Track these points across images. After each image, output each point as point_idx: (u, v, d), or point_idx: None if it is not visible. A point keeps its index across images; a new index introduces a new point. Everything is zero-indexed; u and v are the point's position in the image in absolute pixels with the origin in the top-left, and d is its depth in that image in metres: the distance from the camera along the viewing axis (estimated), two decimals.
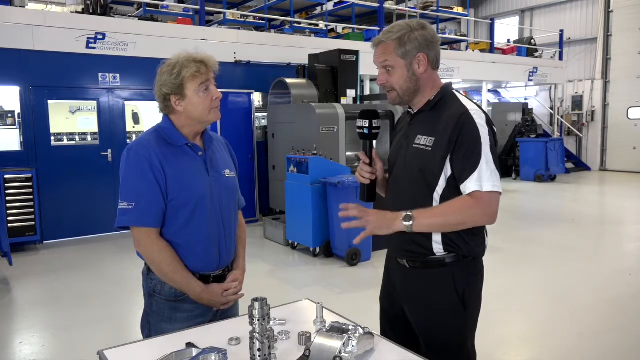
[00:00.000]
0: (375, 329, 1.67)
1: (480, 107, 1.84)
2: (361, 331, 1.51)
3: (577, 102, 16.13)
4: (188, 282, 1.92)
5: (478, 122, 1.75)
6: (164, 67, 1.92)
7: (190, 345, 1.55)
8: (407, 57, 1.82)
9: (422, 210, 1.77)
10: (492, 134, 1.77)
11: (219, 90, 1.99)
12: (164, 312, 1.96)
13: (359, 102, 8.94)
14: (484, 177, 1.72)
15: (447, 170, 1.78)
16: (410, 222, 1.74)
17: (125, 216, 1.87)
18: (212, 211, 1.96)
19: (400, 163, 1.93)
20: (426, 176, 1.81)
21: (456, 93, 1.88)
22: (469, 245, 1.83)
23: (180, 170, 1.91)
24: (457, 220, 1.76)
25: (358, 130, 1.90)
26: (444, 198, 1.80)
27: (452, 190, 1.79)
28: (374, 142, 1.94)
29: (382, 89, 1.93)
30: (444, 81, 1.93)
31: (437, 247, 1.83)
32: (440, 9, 13.49)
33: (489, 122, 1.78)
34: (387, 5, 12.06)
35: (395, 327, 2.02)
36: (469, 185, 1.73)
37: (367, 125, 1.86)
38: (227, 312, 2.07)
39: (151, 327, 1.99)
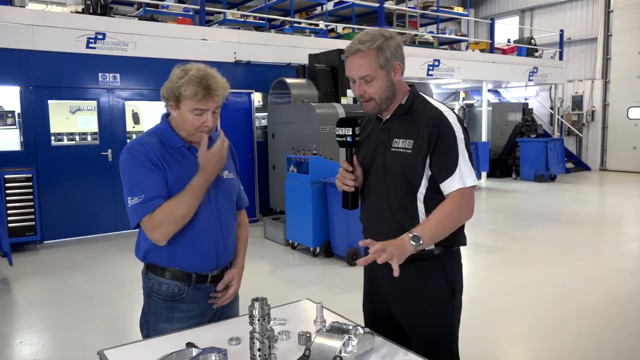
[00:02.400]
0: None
1: (449, 107, 1.91)
2: (361, 331, 1.52)
3: (577, 102, 16.13)
4: (191, 188, 1.85)
5: (452, 122, 1.83)
6: (176, 71, 1.88)
7: (190, 345, 1.55)
8: (387, 66, 1.83)
9: (422, 226, 1.77)
10: (465, 132, 1.86)
11: None
12: (162, 311, 1.96)
13: (358, 102, 8.95)
14: (465, 174, 1.81)
15: (428, 171, 1.84)
16: (420, 242, 1.71)
17: (139, 210, 1.82)
18: (209, 212, 1.96)
19: (378, 168, 1.94)
20: (409, 178, 1.86)
21: (424, 95, 1.95)
22: (456, 236, 1.91)
23: (178, 172, 1.90)
24: (453, 224, 1.83)
25: (338, 139, 1.92)
26: (427, 198, 1.86)
27: (435, 189, 1.85)
28: (354, 149, 1.95)
29: (359, 99, 1.92)
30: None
31: (428, 247, 1.85)
32: (440, 8, 13.49)
33: (461, 121, 1.88)
34: (387, 5, 12.06)
35: (381, 326, 1.96)
36: (452, 184, 1.80)
37: (350, 133, 1.89)
38: (226, 312, 2.07)
39: (149, 327, 1.99)
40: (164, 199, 1.85)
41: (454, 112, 1.88)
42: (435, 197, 1.85)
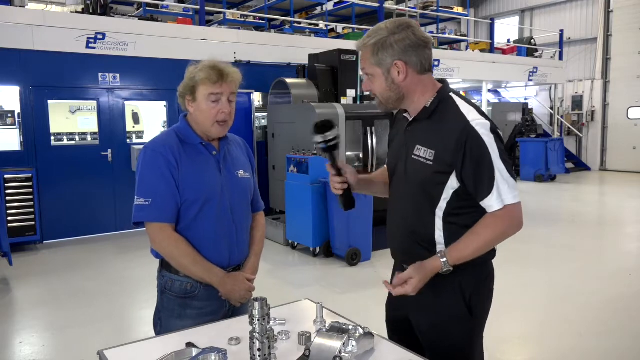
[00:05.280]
0: (375, 329, 1.67)
1: (480, 111, 1.73)
2: (361, 331, 1.51)
3: (577, 102, 16.13)
4: (209, 270, 1.95)
5: (482, 134, 1.64)
6: (189, 68, 1.97)
7: (190, 345, 1.55)
8: (382, 66, 1.71)
9: (454, 246, 1.70)
10: (499, 141, 1.69)
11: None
12: (174, 308, 2.00)
13: (359, 102, 8.94)
14: (503, 192, 1.65)
15: (453, 184, 1.70)
16: (445, 260, 1.68)
17: (143, 212, 1.91)
18: (221, 209, 2.00)
19: (400, 173, 1.85)
20: (428, 191, 1.74)
21: (454, 97, 1.76)
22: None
23: (193, 168, 1.96)
24: (490, 244, 1.72)
25: (316, 145, 1.85)
26: (447, 214, 1.73)
27: (457, 205, 1.73)
28: (337, 152, 1.86)
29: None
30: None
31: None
32: (440, 8, 13.48)
33: (494, 129, 1.68)
34: (387, 5, 12.07)
35: (401, 336, 1.91)
36: (490, 204, 1.67)
37: (321, 140, 1.80)
38: (238, 311, 2.08)
39: (162, 324, 2.03)
40: (174, 206, 1.92)
41: (485, 119, 1.69)
42: (458, 213, 1.73)
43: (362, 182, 1.97)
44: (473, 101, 1.80)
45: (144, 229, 1.96)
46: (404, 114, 1.86)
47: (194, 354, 1.46)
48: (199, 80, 1.90)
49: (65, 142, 7.94)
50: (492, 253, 1.83)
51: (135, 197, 1.92)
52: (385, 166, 2.12)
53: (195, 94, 1.93)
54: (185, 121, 2.03)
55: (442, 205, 1.73)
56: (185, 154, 1.96)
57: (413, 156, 1.76)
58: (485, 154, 1.64)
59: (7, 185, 6.65)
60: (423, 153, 1.73)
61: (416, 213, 1.78)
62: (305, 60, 9.03)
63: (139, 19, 8.79)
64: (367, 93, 1.95)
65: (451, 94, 1.77)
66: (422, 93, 1.76)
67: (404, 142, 1.83)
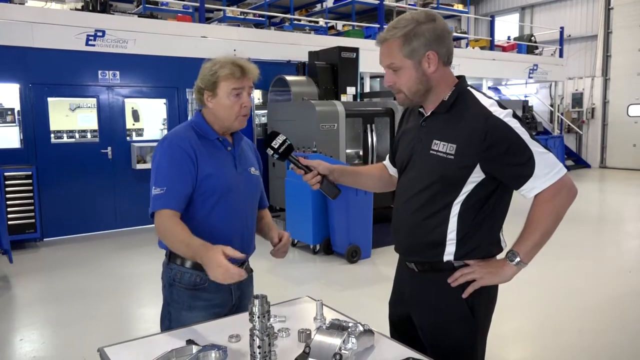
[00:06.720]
0: (375, 326, 1.68)
1: (500, 103, 1.68)
2: (361, 328, 1.52)
3: (577, 100, 16.11)
4: (190, 243, 1.81)
5: (508, 121, 1.61)
6: (207, 63, 1.99)
7: (190, 342, 1.56)
8: (415, 56, 1.65)
9: (519, 241, 1.70)
10: (524, 125, 1.64)
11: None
12: (184, 300, 2.01)
13: (359, 100, 8.94)
14: (549, 166, 1.61)
15: (475, 178, 1.66)
16: (517, 258, 1.68)
17: (158, 201, 1.90)
18: (235, 204, 2.02)
19: (413, 169, 1.80)
20: (448, 185, 1.69)
21: (472, 90, 1.73)
22: (481, 246, 1.74)
23: (212, 162, 1.99)
24: (554, 224, 1.70)
25: (274, 158, 1.94)
26: (463, 210, 1.69)
27: (476, 198, 1.69)
28: (294, 153, 1.94)
29: (391, 90, 1.79)
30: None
31: (448, 258, 1.73)
32: (440, 5, 13.46)
33: (515, 115, 1.65)
34: (387, 2, 12.05)
35: (403, 335, 1.90)
36: (533, 186, 1.63)
37: (271, 153, 1.90)
38: (245, 305, 2.09)
39: (171, 317, 2.04)
40: (185, 196, 1.92)
41: (504, 107, 1.65)
42: (472, 207, 1.69)
43: (342, 171, 2.00)
44: (489, 96, 1.77)
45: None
46: (419, 109, 1.82)
47: (194, 351, 1.46)
48: (221, 75, 1.93)
49: (65, 139, 7.94)
50: (494, 252, 1.80)
51: (152, 187, 1.92)
52: (383, 163, 2.12)
53: (217, 90, 1.96)
54: (200, 116, 2.05)
55: (460, 199, 1.69)
56: (204, 148, 1.99)
57: (431, 151, 1.71)
58: (515, 139, 1.60)
59: (7, 182, 6.65)
60: (442, 148, 1.68)
61: (429, 209, 1.73)
62: (305, 58, 9.03)
63: (138, 16, 8.77)
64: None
65: (469, 87, 1.75)
66: (445, 86, 1.72)
67: (419, 138, 1.78)
